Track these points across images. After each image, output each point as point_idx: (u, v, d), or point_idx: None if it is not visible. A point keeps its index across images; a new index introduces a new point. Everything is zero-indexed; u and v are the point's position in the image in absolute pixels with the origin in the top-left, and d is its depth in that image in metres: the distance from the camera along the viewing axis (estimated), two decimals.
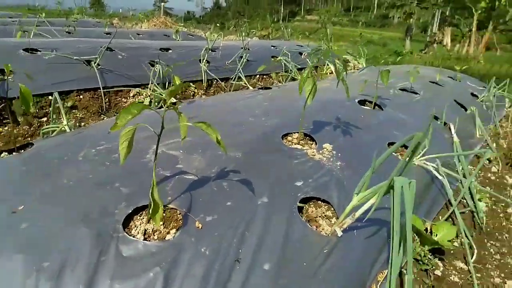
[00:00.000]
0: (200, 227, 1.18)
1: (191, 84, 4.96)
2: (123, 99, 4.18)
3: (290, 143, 1.80)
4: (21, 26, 4.41)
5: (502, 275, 1.95)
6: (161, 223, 1.21)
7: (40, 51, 3.92)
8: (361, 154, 1.82)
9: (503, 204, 2.62)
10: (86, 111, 3.77)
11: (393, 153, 2.04)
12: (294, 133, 1.87)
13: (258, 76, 6.00)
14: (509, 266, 2.05)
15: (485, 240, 2.15)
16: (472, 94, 3.99)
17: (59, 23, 9.51)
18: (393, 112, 2.47)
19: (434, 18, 31.97)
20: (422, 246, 1.56)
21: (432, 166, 1.92)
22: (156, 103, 4.19)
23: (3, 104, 3.23)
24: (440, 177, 1.88)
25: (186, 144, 1.58)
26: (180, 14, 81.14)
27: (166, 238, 1.16)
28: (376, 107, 2.57)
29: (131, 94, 4.27)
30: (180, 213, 1.24)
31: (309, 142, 1.87)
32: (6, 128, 3.15)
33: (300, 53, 7.16)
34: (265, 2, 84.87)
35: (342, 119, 2.13)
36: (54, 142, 1.89)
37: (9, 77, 3.42)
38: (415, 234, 1.56)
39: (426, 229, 1.64)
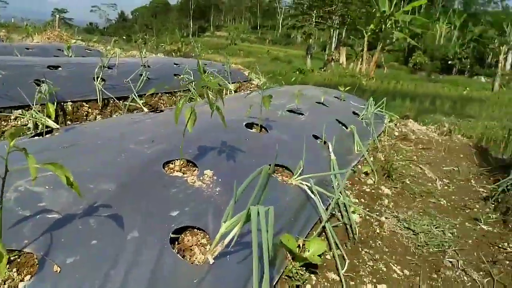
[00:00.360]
0: (58, 271, 1.12)
1: (84, 103, 4.69)
2: (2, 123, 3.78)
3: (171, 171, 1.81)
4: None
5: (374, 280, 2.18)
6: (15, 270, 1.12)
7: None
8: (242, 179, 1.91)
9: (377, 213, 2.95)
10: None
11: (273, 175, 2.18)
12: (177, 160, 1.89)
13: (159, 94, 5.91)
14: (381, 271, 2.30)
15: (360, 249, 2.39)
16: (354, 113, 4.43)
17: None
18: (277, 134, 2.64)
19: (332, 39, 34.96)
20: (294, 263, 1.68)
21: (307, 185, 2.10)
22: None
23: None
24: (312, 196, 2.05)
25: (52, 179, 1.49)
26: (82, 25, 76.40)
27: (19, 287, 1.08)
28: (263, 129, 2.72)
29: (13, 117, 3.88)
30: (36, 257, 1.16)
31: (191, 168, 1.90)
32: None
33: (204, 71, 7.25)
34: (173, 16, 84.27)
35: (228, 143, 2.21)
36: None
37: None
38: (287, 253, 1.67)
39: (299, 246, 1.78)
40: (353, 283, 2.04)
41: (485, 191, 3.91)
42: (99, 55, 8.86)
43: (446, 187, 3.96)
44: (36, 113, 3.15)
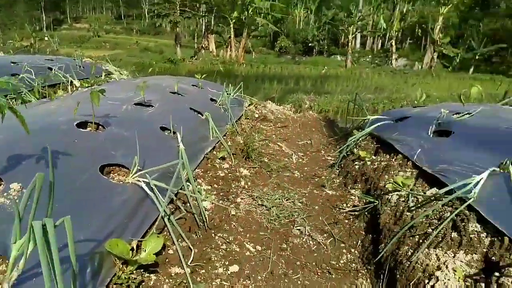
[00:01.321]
0: None
1: None
2: None
3: None
4: None
5: (226, 262, 2.20)
6: None
7: None
8: (66, 186, 1.71)
9: (234, 196, 3.01)
10: None
11: (100, 174, 2.01)
12: None
13: None
14: (234, 252, 2.34)
15: (213, 235, 2.40)
16: (212, 99, 4.44)
17: None
18: (117, 131, 2.46)
19: (200, 27, 34.83)
20: (126, 268, 1.57)
21: (144, 182, 1.99)
22: None
23: None
24: (149, 192, 1.96)
25: None
26: None
27: None
28: (100, 127, 2.50)
29: None
30: None
31: None
32: None
33: (50, 68, 6.48)
34: (20, 9, 73.69)
35: (51, 146, 1.95)
36: None
37: None
38: (116, 259, 1.55)
39: (133, 248, 1.67)
40: (203, 271, 2.03)
41: (332, 159, 4.35)
42: None
43: (300, 160, 4.28)
44: None
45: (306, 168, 3.99)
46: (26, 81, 5.69)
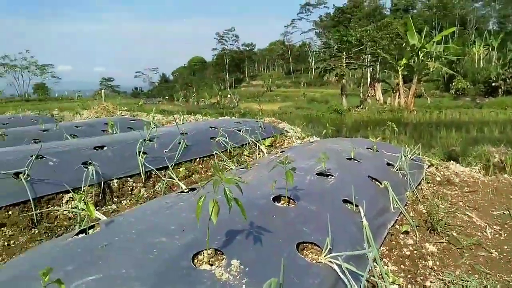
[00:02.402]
0: None
1: (129, 179, 5.01)
2: (56, 207, 4.11)
3: (200, 263, 1.90)
4: None
5: None
6: None
7: None
8: (270, 264, 1.96)
9: (421, 278, 2.82)
10: (16, 227, 3.66)
11: (298, 252, 2.20)
12: (205, 250, 1.98)
13: (198, 159, 6.18)
14: None
15: None
16: (388, 164, 4.37)
17: None
18: (305, 205, 2.68)
19: (365, 75, 34.97)
20: None
21: (336, 263, 2.09)
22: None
23: None
24: (341, 275, 2.04)
25: None
26: (128, 91, 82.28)
27: None
28: (291, 201, 2.77)
29: (64, 200, 4.23)
30: None
31: (219, 257, 1.98)
32: None
33: (239, 130, 7.52)
34: (210, 72, 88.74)
35: (256, 223, 2.27)
36: None
37: None
38: None
39: None
40: None
41: None
42: (142, 125, 9.49)
43: (497, 235, 3.72)
44: (80, 202, 3.42)
45: (506, 247, 3.44)
46: (221, 144, 6.78)
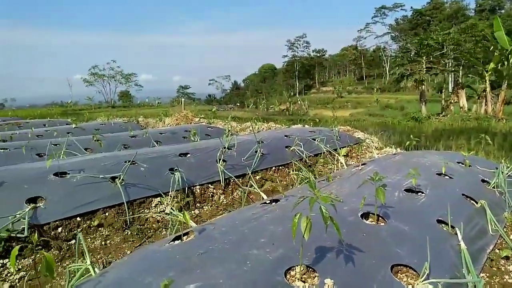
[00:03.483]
0: None
1: (209, 185, 5.22)
2: (145, 210, 4.41)
3: (292, 279, 1.91)
4: (51, 155, 4.87)
5: None
6: None
7: (68, 173, 4.29)
8: (365, 286, 1.90)
9: None
10: (111, 228, 4.00)
11: (393, 275, 2.10)
12: (297, 266, 1.98)
13: (274, 168, 6.24)
14: None
15: None
16: (483, 181, 4.02)
17: (88, 128, 10.36)
18: (396, 224, 2.55)
19: (447, 80, 32.65)
20: None
21: None
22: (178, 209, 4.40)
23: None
24: None
25: None
26: (202, 97, 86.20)
27: None
28: (380, 218, 2.66)
29: (153, 204, 4.51)
30: None
31: (311, 275, 1.97)
32: (38, 255, 3.38)
33: (313, 140, 7.46)
34: (280, 78, 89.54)
35: (346, 240, 2.23)
36: None
37: (40, 204, 3.76)
38: None
39: None
40: None
41: None
42: (219, 132, 9.86)
43: None
44: (172, 209, 3.63)
45: None
46: (296, 153, 6.78)
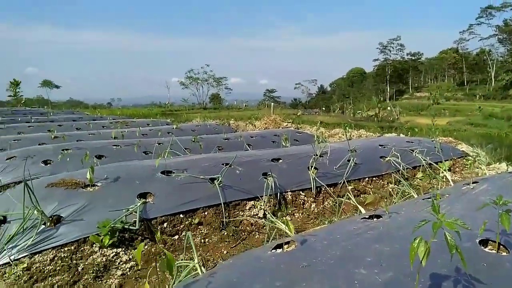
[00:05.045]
0: None
1: (300, 192, 5.20)
2: (240, 213, 4.56)
3: None
4: (159, 154, 5.28)
5: None
6: None
7: (173, 172, 4.61)
8: None
9: None
10: (210, 227, 4.20)
11: None
12: None
13: (367, 179, 6.01)
14: None
15: None
16: None
17: (186, 129, 11.08)
18: None
19: None
20: None
21: None
22: (270, 213, 4.48)
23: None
24: None
25: None
26: (287, 101, 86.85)
27: None
28: (501, 247, 2.38)
29: (247, 207, 4.64)
30: None
31: None
32: (145, 246, 3.69)
33: (411, 151, 7.01)
34: (370, 83, 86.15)
35: (462, 270, 2.03)
36: None
37: (149, 200, 4.11)
38: None
39: None
40: None
41: None
42: (308, 137, 9.81)
43: None
44: (272, 216, 3.69)
45: None
46: (392, 163, 6.43)
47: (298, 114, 16.70)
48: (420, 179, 6.37)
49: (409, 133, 10.67)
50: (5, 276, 3.08)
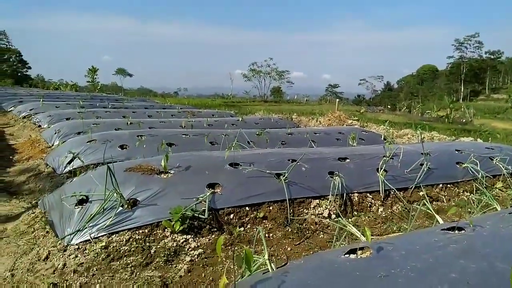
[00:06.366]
0: None
1: (368, 194, 5.02)
2: (304, 210, 4.51)
3: None
4: (226, 146, 5.39)
5: None
6: None
7: (241, 165, 4.67)
8: None
9: None
10: (274, 222, 4.21)
11: None
12: None
13: (441, 185, 5.65)
14: None
15: None
16: None
17: (249, 121, 11.20)
18: None
19: None
20: None
21: None
22: (337, 214, 4.38)
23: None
24: None
25: None
26: (350, 97, 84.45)
27: None
28: None
29: (312, 206, 4.58)
30: None
31: None
32: (213, 236, 3.79)
33: (491, 158, 6.47)
34: (442, 81, 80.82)
35: None
36: None
37: (218, 190, 4.20)
38: None
39: None
40: None
41: None
42: (374, 137, 9.45)
43: None
44: (341, 217, 3.58)
45: None
46: (469, 171, 5.96)
47: (361, 111, 16.11)
48: (500, 190, 5.84)
49: (489, 138, 9.83)
50: (85, 253, 3.32)
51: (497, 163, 6.31)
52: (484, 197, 4.40)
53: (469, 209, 4.66)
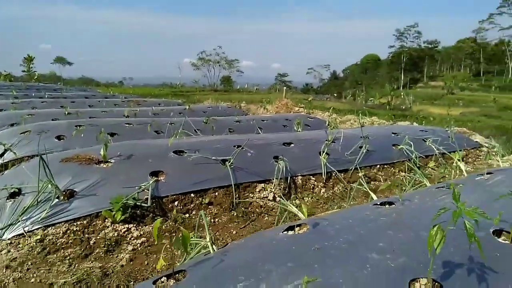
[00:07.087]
0: None
1: (311, 177, 5.19)
2: (250, 194, 4.57)
3: None
4: (171, 134, 5.29)
5: None
6: None
7: (185, 152, 4.62)
8: None
9: None
10: (220, 207, 4.23)
11: None
12: (422, 278, 1.86)
13: (378, 166, 5.97)
14: None
15: None
16: None
17: (197, 110, 11.07)
18: None
19: None
20: None
21: None
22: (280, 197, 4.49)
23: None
24: None
25: None
26: (299, 86, 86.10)
27: None
28: None
29: (257, 190, 4.65)
30: None
31: None
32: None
33: (424, 140, 6.93)
34: (384, 70, 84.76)
35: (475, 259, 2.02)
36: None
37: (161, 178, 4.14)
38: None
39: None
40: None
41: None
42: (319, 123, 9.75)
43: None
44: (284, 199, 3.68)
45: None
46: (404, 152, 6.37)
47: (309, 99, 16.50)
48: (432, 169, 6.30)
49: (423, 122, 10.52)
50: (19, 247, 3.14)
51: (430, 144, 6.77)
52: (417, 175, 4.73)
53: (402, 187, 4.98)
